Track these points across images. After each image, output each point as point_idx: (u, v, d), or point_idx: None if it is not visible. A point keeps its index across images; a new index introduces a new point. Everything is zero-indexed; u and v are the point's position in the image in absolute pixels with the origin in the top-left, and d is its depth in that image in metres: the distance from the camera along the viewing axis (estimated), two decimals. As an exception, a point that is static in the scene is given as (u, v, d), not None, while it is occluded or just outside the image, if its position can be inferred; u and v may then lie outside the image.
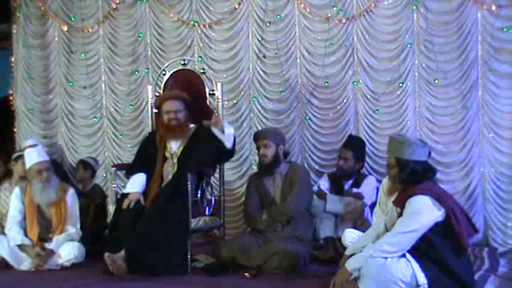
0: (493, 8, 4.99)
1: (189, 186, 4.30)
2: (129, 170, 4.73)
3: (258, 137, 4.73)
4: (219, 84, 4.98)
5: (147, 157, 4.68)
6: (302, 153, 5.65)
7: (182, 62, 5.13)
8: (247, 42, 5.80)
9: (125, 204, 4.38)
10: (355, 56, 5.45)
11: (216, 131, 4.49)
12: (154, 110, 4.98)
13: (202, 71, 5.07)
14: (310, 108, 5.59)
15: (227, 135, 4.49)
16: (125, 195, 4.48)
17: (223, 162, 4.83)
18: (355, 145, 4.98)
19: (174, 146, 4.65)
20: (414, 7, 5.20)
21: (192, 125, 4.74)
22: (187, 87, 4.99)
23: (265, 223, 4.54)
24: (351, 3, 5.42)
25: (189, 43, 5.98)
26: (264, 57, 5.73)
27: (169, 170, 4.58)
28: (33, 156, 4.67)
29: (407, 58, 5.27)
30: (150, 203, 4.41)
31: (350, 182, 4.93)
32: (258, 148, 4.67)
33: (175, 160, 4.59)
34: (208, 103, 5.05)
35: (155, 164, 4.60)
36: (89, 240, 4.79)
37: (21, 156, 4.95)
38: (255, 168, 5.42)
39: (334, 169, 5.12)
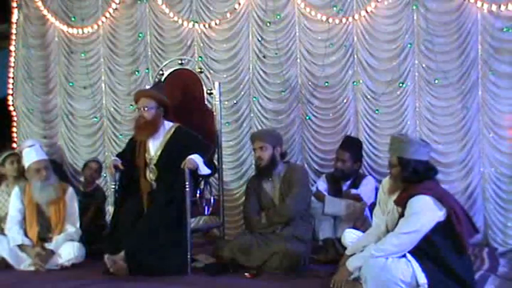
0: (493, 8, 4.98)
1: (187, 186, 4.30)
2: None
3: (254, 139, 4.71)
4: (216, 84, 4.98)
5: (129, 156, 4.67)
6: (302, 153, 5.65)
7: (180, 62, 5.12)
8: (247, 42, 5.80)
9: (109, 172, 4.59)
10: (355, 56, 5.45)
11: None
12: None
13: (199, 70, 5.06)
14: (310, 108, 5.59)
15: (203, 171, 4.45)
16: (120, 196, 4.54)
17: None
18: (351, 146, 4.96)
19: (152, 151, 4.59)
20: (414, 7, 5.20)
21: (170, 124, 4.65)
22: (185, 87, 4.98)
23: (263, 226, 4.53)
24: (351, 3, 5.41)
25: (189, 43, 5.99)
26: (264, 57, 5.73)
27: (151, 176, 4.56)
28: (31, 155, 4.67)
29: (407, 58, 5.27)
30: (147, 204, 4.40)
31: (348, 182, 4.91)
32: (255, 150, 4.66)
33: (153, 165, 4.55)
34: (206, 103, 5.04)
35: (138, 167, 4.58)
36: (89, 240, 4.79)
37: (6, 158, 4.97)
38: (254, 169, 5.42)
39: (333, 170, 5.11)
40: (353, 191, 4.78)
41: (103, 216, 5.52)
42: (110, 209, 5.32)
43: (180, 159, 4.37)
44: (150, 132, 4.56)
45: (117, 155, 4.84)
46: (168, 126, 4.63)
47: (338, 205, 4.64)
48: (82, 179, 5.86)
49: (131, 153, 4.65)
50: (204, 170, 4.44)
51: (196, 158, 4.38)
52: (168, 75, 5.09)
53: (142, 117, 4.56)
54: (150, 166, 4.56)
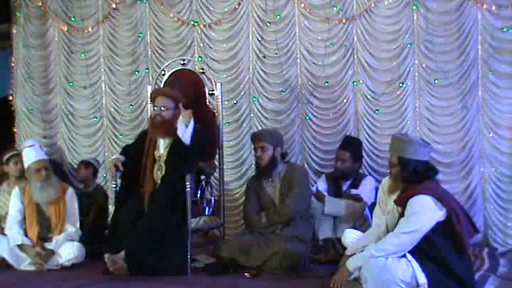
0: (493, 8, 4.99)
1: (188, 186, 4.30)
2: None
3: (255, 138, 4.71)
4: (218, 84, 4.97)
5: (134, 153, 4.65)
6: (302, 153, 5.65)
7: (181, 62, 5.12)
8: (247, 42, 5.80)
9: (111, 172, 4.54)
10: (355, 56, 5.45)
11: (180, 125, 4.42)
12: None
13: (201, 70, 5.06)
14: (310, 108, 5.59)
15: (185, 130, 4.39)
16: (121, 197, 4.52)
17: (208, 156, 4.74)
18: (351, 146, 4.96)
19: (162, 147, 4.57)
20: (414, 7, 5.21)
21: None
22: (187, 87, 4.98)
23: (263, 226, 4.54)
24: (351, 3, 5.42)
25: (189, 43, 5.99)
26: (264, 57, 5.73)
27: (158, 173, 4.53)
28: (31, 155, 4.67)
29: (407, 58, 5.27)
30: (148, 203, 4.40)
31: (348, 182, 4.90)
32: (255, 149, 4.66)
33: (162, 162, 4.53)
34: (207, 103, 5.04)
35: (145, 164, 4.56)
36: (89, 240, 4.79)
37: (11, 157, 4.96)
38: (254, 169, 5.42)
39: (332, 169, 5.11)
40: (353, 191, 4.78)
41: (105, 216, 5.50)
42: (110, 208, 5.31)
43: (184, 157, 4.38)
44: (166, 132, 4.52)
45: (124, 148, 4.85)
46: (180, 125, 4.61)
47: (338, 205, 4.64)
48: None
49: (139, 149, 4.63)
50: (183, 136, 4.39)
51: (185, 128, 4.37)
52: (169, 75, 5.09)
53: (159, 116, 4.53)
54: (159, 163, 4.55)
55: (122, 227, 4.35)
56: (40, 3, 6.46)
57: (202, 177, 4.75)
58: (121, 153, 4.72)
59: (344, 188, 4.88)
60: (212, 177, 5.00)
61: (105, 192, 5.66)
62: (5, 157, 5.02)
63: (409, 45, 5.25)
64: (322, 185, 4.92)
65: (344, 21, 5.44)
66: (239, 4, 5.77)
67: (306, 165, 5.50)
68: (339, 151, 4.94)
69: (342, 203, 4.65)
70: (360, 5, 5.39)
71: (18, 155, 4.99)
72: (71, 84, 6.47)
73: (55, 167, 5.07)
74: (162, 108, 4.53)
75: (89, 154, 6.31)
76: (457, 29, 5.12)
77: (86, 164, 5.66)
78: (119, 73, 6.29)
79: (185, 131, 4.39)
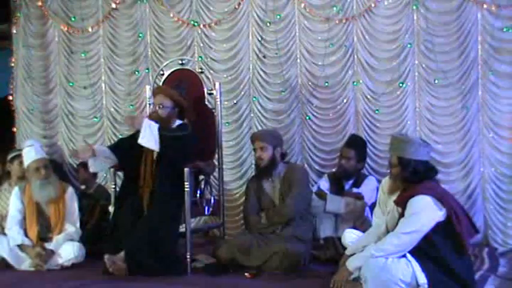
0: (493, 8, 4.99)
1: (187, 186, 4.30)
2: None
3: (254, 139, 4.70)
4: (217, 84, 4.97)
5: (128, 146, 4.59)
6: (302, 153, 5.65)
7: (180, 62, 5.12)
8: (247, 42, 5.80)
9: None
10: (355, 56, 5.45)
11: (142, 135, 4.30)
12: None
13: (200, 70, 5.06)
14: (310, 108, 5.59)
15: (146, 136, 4.27)
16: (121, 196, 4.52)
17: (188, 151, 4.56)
18: (357, 144, 4.97)
19: None
20: (414, 7, 5.21)
21: (179, 122, 4.61)
22: (191, 88, 4.97)
23: (263, 226, 4.54)
24: (351, 3, 5.42)
25: (189, 43, 5.99)
26: (264, 57, 5.73)
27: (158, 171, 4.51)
28: (30, 154, 4.67)
29: (407, 58, 5.27)
30: (147, 203, 4.40)
31: (350, 182, 4.91)
32: (255, 150, 4.66)
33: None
34: (206, 103, 5.03)
35: (144, 163, 4.52)
36: (89, 240, 4.79)
37: (16, 157, 4.96)
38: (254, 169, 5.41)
39: (334, 169, 5.11)
40: (354, 190, 4.79)
41: (107, 216, 5.48)
42: (110, 209, 5.30)
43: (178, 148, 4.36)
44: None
45: (118, 141, 4.84)
46: (176, 123, 4.60)
47: (339, 203, 4.63)
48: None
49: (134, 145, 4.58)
50: (146, 140, 4.27)
51: (146, 124, 4.26)
52: (169, 75, 5.08)
53: (155, 114, 4.53)
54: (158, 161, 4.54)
55: (121, 227, 4.34)
56: (40, 3, 6.47)
57: (202, 177, 4.75)
58: (114, 145, 4.70)
59: (346, 187, 4.88)
60: (212, 177, 5.00)
61: (107, 192, 5.64)
62: (10, 156, 5.04)
63: (409, 45, 5.25)
64: (324, 184, 4.93)
65: (344, 21, 5.44)
66: (239, 4, 5.77)
67: (306, 165, 5.50)
68: (344, 149, 4.94)
69: (343, 201, 4.64)
70: (360, 5, 5.39)
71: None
72: (71, 84, 6.47)
73: (55, 167, 5.07)
74: (160, 106, 4.53)
75: (89, 154, 6.30)
76: (457, 29, 5.12)
77: (84, 165, 5.64)
78: (118, 73, 6.29)
79: (144, 134, 4.28)
